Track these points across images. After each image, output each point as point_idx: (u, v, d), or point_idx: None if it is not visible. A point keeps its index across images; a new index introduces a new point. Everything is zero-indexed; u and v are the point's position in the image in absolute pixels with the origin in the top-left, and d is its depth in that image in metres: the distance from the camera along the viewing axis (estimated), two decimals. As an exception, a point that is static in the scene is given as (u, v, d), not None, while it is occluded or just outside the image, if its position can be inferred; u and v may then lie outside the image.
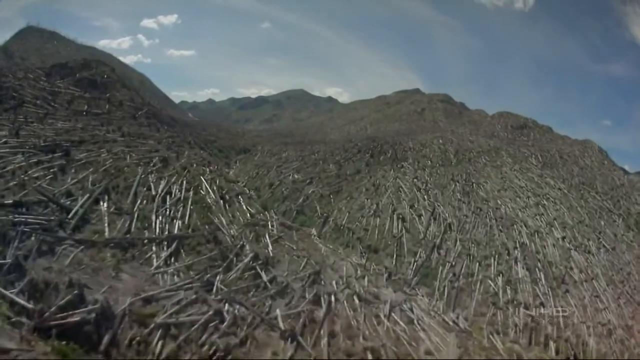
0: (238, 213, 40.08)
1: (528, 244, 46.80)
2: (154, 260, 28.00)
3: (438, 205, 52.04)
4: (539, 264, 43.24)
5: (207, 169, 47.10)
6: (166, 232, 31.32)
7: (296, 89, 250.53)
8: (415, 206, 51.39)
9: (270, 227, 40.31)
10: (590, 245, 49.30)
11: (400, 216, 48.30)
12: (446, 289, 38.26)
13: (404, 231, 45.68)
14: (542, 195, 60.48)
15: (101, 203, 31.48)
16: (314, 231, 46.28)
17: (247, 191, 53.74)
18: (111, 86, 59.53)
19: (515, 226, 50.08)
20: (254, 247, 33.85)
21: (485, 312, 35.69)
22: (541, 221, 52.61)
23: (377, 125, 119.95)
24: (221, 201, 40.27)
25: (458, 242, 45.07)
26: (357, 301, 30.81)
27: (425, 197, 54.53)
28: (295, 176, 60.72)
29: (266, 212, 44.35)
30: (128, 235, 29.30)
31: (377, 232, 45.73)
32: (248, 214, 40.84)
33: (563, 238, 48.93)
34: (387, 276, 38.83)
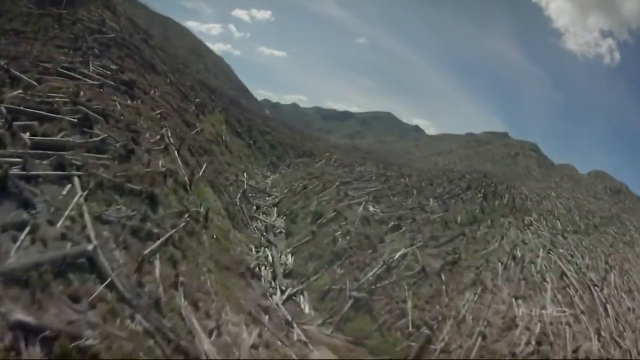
0: None
1: None
2: None
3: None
4: None
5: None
6: None
7: (384, 111, 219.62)
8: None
9: None
10: None
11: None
12: None
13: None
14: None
15: None
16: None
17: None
18: (81, 3, 32.08)
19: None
20: None
21: None
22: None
23: (467, 161, 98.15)
24: None
25: None
26: None
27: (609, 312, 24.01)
28: (371, 208, 28.32)
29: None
30: None
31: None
32: None
33: None
34: None
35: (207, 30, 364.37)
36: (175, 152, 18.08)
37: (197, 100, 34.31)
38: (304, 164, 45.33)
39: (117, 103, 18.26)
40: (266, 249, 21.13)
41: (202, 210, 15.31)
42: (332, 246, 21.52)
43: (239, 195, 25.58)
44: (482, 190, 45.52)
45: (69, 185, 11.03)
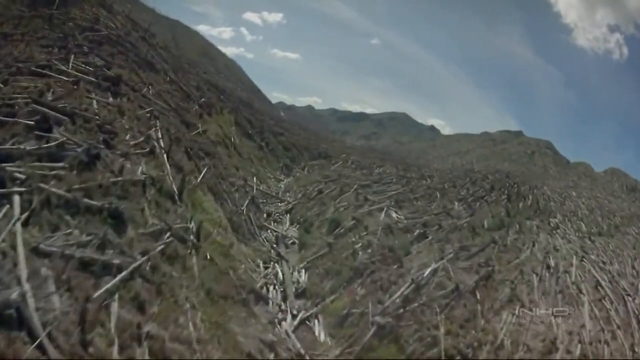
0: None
1: None
2: None
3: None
4: None
5: None
6: None
7: (399, 112, 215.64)
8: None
9: None
10: None
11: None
12: None
13: None
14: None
15: None
16: None
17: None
18: (74, 3, 29.88)
19: None
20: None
21: None
22: None
23: (484, 161, 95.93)
24: None
25: None
26: None
27: None
28: (394, 215, 25.18)
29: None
30: None
31: None
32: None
33: None
34: None
35: (218, 34, 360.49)
36: (164, 155, 15.10)
37: (202, 100, 31.51)
38: (320, 166, 42.52)
39: (94, 101, 15.50)
40: (276, 264, 18.22)
41: (192, 225, 12.30)
42: (351, 261, 18.30)
43: (247, 202, 22.74)
44: (506, 192, 42.58)
45: (7, 207, 8.29)
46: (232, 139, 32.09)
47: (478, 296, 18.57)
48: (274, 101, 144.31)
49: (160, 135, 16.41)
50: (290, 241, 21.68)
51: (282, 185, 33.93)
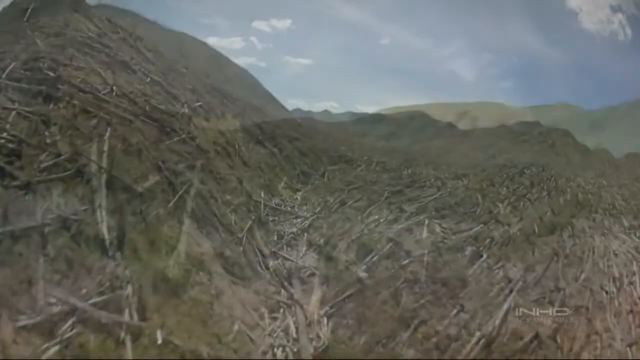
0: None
1: None
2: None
3: None
4: None
5: None
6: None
7: (415, 111, 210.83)
8: None
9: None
10: None
11: None
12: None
13: None
14: None
15: None
16: None
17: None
18: (48, 12, 26.22)
19: None
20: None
21: None
22: None
23: (507, 154, 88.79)
24: None
25: None
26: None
27: None
28: (438, 229, 19.57)
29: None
30: None
31: None
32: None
33: None
34: None
35: (228, 44, 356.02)
36: (102, 177, 9.99)
37: (198, 103, 26.58)
38: (341, 171, 37.23)
39: (12, 112, 10.78)
40: (287, 312, 13.05)
41: (128, 291, 7.11)
42: (391, 305, 12.94)
43: (249, 224, 17.60)
44: (545, 187, 37.05)
45: None
46: (237, 146, 27.24)
47: (558, 340, 13.31)
48: (290, 108, 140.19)
49: (105, 148, 11.36)
50: (308, 273, 16.49)
51: (299, 197, 28.89)
